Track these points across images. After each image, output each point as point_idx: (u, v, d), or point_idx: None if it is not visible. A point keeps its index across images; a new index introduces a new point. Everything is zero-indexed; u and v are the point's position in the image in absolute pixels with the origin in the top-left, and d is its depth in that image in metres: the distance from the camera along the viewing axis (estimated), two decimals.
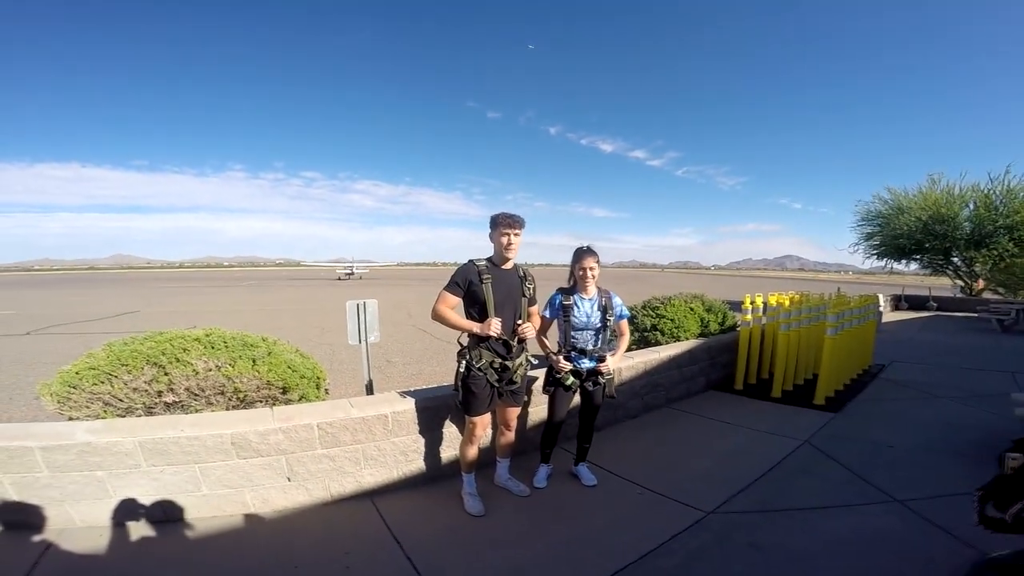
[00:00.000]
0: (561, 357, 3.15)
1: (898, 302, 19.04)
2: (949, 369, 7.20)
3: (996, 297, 19.37)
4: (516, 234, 2.86)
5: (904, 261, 22.35)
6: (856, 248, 23.58)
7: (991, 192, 18.84)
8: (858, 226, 23.29)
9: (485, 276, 2.84)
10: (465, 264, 2.92)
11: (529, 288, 3.02)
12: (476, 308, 2.90)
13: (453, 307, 2.90)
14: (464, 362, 2.90)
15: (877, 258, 22.75)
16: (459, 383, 2.92)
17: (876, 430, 4.42)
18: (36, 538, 2.52)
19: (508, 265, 2.96)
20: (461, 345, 2.97)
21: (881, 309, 11.78)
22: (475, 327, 2.84)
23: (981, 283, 20.80)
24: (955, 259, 20.94)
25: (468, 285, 2.86)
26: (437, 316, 2.89)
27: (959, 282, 21.87)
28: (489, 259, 2.95)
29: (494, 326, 2.80)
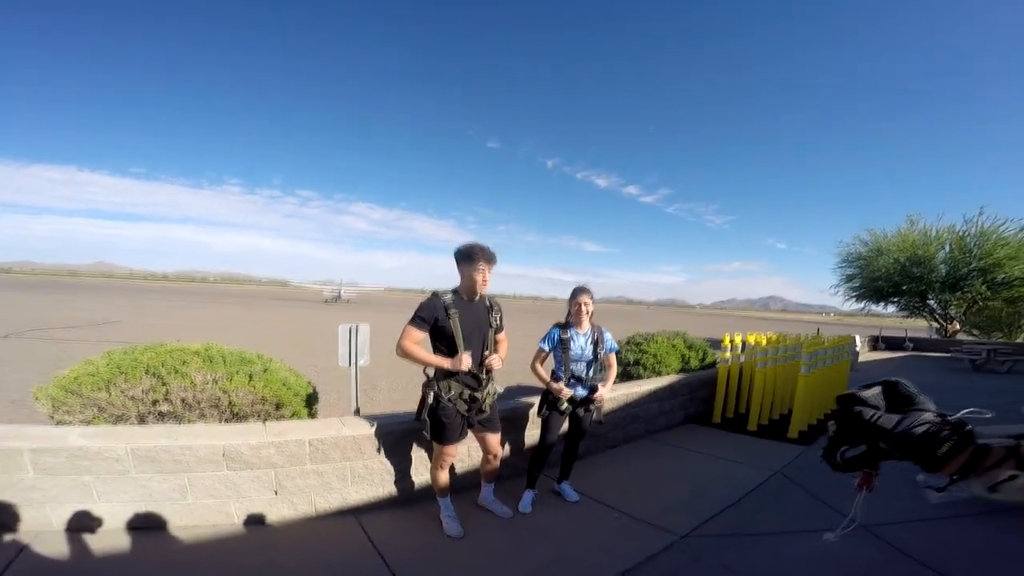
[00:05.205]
0: (562, 384, 3.35)
1: (876, 343, 19.49)
2: None
3: (969, 338, 19.89)
4: (490, 270, 2.86)
5: (882, 303, 22.91)
6: (837, 290, 24.12)
7: (965, 234, 19.45)
8: (839, 268, 23.91)
9: (452, 310, 2.79)
10: (430, 298, 2.86)
11: (496, 318, 3.01)
12: (444, 342, 2.85)
13: (419, 342, 2.82)
14: (432, 393, 2.88)
15: (856, 300, 23.25)
16: (426, 414, 2.90)
17: None
18: (10, 538, 2.49)
19: (476, 298, 2.95)
20: (428, 376, 2.94)
21: (857, 349, 12.11)
22: (446, 363, 2.80)
23: (956, 325, 21.34)
24: (931, 302, 21.53)
25: (435, 321, 2.80)
26: (404, 352, 2.80)
27: (935, 324, 22.45)
28: (455, 291, 2.92)
29: (465, 362, 2.76)
